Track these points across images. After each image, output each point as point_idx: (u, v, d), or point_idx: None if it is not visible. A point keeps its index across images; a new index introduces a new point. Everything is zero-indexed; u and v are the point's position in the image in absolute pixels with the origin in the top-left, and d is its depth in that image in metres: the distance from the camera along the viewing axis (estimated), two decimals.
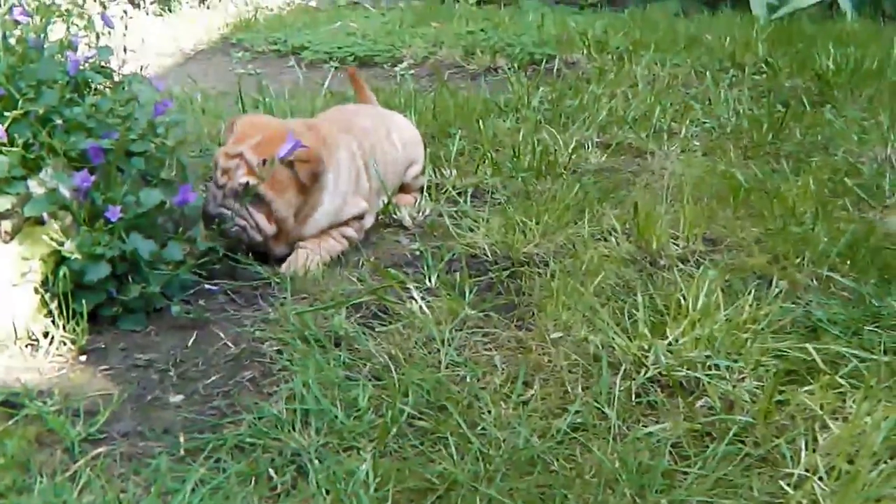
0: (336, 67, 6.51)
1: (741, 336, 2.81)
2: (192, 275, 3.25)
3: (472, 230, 3.66)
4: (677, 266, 3.39)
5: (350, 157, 3.60)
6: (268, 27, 7.62)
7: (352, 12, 8.22)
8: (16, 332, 2.91)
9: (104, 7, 3.77)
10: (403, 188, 3.99)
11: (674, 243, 3.53)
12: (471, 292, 3.18)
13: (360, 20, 7.59)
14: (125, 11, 8.58)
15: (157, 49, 7.27)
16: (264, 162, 3.31)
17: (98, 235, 2.97)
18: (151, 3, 8.70)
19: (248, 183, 3.31)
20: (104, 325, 3.05)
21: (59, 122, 3.10)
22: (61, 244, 2.89)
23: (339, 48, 6.72)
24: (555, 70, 6.01)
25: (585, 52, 6.26)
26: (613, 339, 2.83)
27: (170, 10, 8.42)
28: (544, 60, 6.23)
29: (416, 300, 3.10)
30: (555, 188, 3.99)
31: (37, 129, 3.08)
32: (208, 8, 8.55)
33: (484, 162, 4.26)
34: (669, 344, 2.79)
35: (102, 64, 3.65)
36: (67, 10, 3.84)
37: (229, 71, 6.60)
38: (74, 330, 2.91)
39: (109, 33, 3.75)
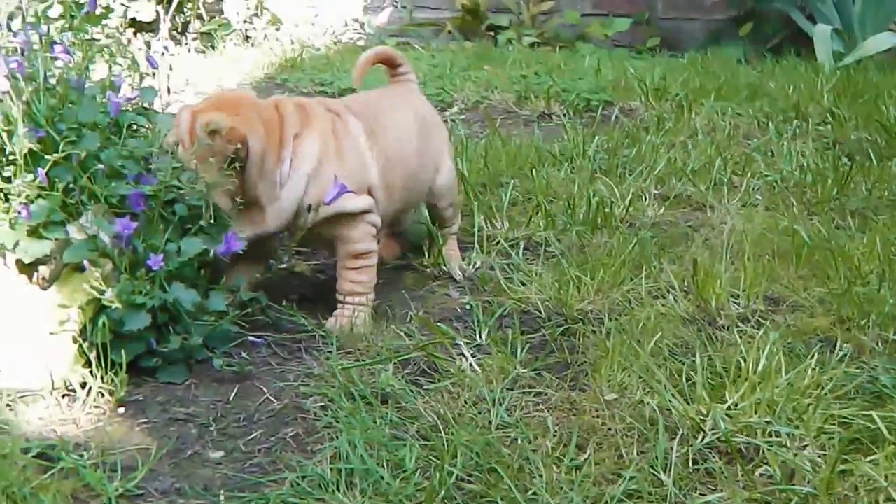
0: None
1: (803, 402, 2.81)
2: (235, 325, 3.29)
3: (524, 284, 3.69)
4: (737, 326, 3.40)
5: (336, 139, 3.45)
6: (314, 67, 7.68)
7: (404, 52, 8.24)
8: (52, 383, 2.97)
9: (148, 47, 3.82)
10: (432, 196, 3.91)
11: (734, 302, 3.54)
12: (522, 350, 3.20)
13: (411, 61, 7.62)
14: (166, 48, 8.68)
15: (200, 88, 7.35)
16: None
17: (139, 284, 3.01)
18: (194, 40, 8.78)
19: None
20: (143, 376, 3.10)
21: (99, 166, 3.15)
22: (101, 293, 2.94)
23: None
24: (612, 117, 6.02)
25: (643, 99, 6.28)
26: (671, 402, 2.84)
27: (213, 48, 8.50)
28: (601, 107, 6.26)
29: (465, 357, 3.12)
30: (610, 242, 4.01)
31: (77, 173, 3.14)
32: (252, 45, 8.62)
33: (537, 213, 4.29)
34: (728, 408, 2.80)
35: (145, 105, 3.71)
36: (109, 50, 3.88)
37: None
38: (113, 381, 2.95)
39: (154, 74, 3.81)
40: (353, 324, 3.39)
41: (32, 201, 3.08)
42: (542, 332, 3.39)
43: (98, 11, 8.56)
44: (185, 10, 8.83)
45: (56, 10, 8.59)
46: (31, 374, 2.95)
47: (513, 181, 4.72)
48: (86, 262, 3.00)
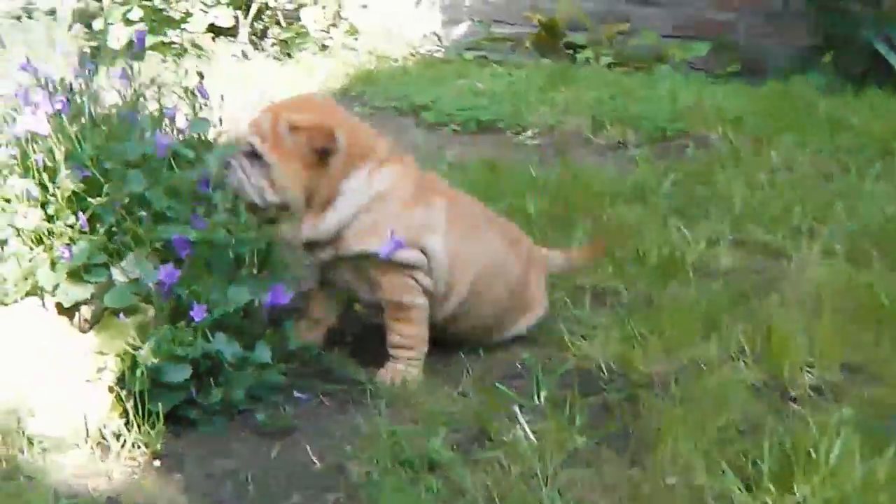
0: (455, 131, 6.33)
1: (879, 500, 2.54)
2: (283, 374, 3.09)
3: (587, 339, 3.44)
4: (810, 397, 3.14)
5: (415, 190, 3.28)
6: (390, 80, 7.46)
7: (479, 69, 8.02)
8: (87, 432, 2.80)
9: (201, 77, 3.61)
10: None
11: (808, 371, 3.27)
12: (581, 415, 2.96)
13: (487, 79, 7.40)
14: (244, 52, 8.53)
15: (272, 99, 7.16)
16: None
17: (180, 335, 2.82)
18: (272, 46, 8.61)
19: (252, 143, 3.14)
20: (182, 426, 2.91)
21: (143, 212, 2.95)
22: (137, 348, 2.74)
23: (462, 110, 6.53)
24: (687, 149, 5.73)
25: (720, 130, 5.97)
26: (733, 490, 2.59)
27: (289, 56, 8.31)
28: (676, 137, 5.98)
29: (520, 424, 2.89)
30: (682, 294, 3.75)
31: (120, 215, 2.94)
32: (329, 55, 8.41)
33: (608, 257, 4.03)
34: (797, 503, 2.54)
35: (199, 136, 3.50)
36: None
37: None
38: (149, 433, 2.77)
39: (205, 104, 3.61)
40: (403, 379, 3.17)
41: (74, 242, 2.88)
42: (603, 395, 3.15)
43: (178, 15, 8.49)
44: (264, 17, 8.65)
45: (137, 13, 8.55)
46: (66, 420, 2.79)
47: (583, 220, 4.46)
48: (121, 315, 2.80)
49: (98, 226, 2.94)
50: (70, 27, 9.02)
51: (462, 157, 5.57)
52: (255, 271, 3.04)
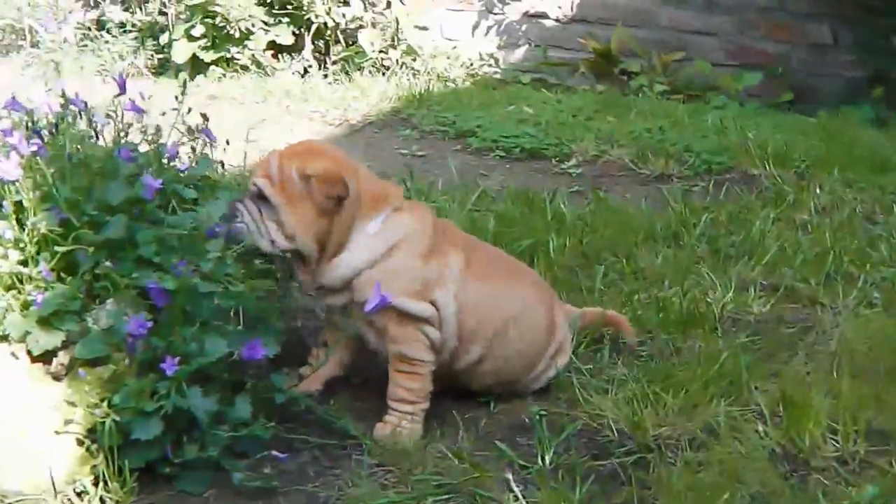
0: (501, 157, 6.06)
1: None
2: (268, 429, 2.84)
3: (600, 393, 3.16)
4: (832, 468, 2.85)
5: (429, 243, 3.06)
6: (440, 103, 7.21)
7: (533, 92, 7.76)
8: (54, 488, 2.58)
9: (206, 119, 3.36)
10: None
11: (832, 439, 2.97)
12: (586, 482, 2.69)
13: (537, 104, 7.12)
14: (306, 69, 8.33)
15: (324, 117, 6.96)
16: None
17: (149, 385, 2.58)
18: (334, 64, 8.40)
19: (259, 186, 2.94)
20: (160, 482, 2.68)
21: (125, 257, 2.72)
22: (102, 400, 2.51)
23: (507, 137, 6.26)
24: (730, 185, 5.40)
25: (764, 166, 5.64)
26: None
27: (347, 75, 8.08)
28: (720, 172, 5.67)
29: (513, 492, 2.63)
30: (704, 347, 3.45)
31: (94, 261, 2.70)
32: (384, 75, 8.19)
33: (630, 303, 3.75)
34: None
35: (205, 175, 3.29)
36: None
37: (395, 150, 6.22)
38: (119, 490, 2.54)
39: (212, 145, 3.38)
40: (399, 435, 2.91)
41: (48, 289, 2.65)
42: (612, 460, 2.88)
43: (238, 34, 8.31)
44: (326, 36, 8.44)
45: (199, 30, 8.38)
46: (34, 476, 2.55)
47: (612, 260, 4.18)
48: (80, 370, 2.57)
49: (74, 268, 2.71)
50: (141, 41, 8.93)
51: (499, 186, 5.29)
52: (239, 324, 2.79)
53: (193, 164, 3.38)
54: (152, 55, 8.72)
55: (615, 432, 3.00)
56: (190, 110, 3.34)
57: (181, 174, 3.23)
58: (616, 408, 3.08)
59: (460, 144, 6.36)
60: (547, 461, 2.83)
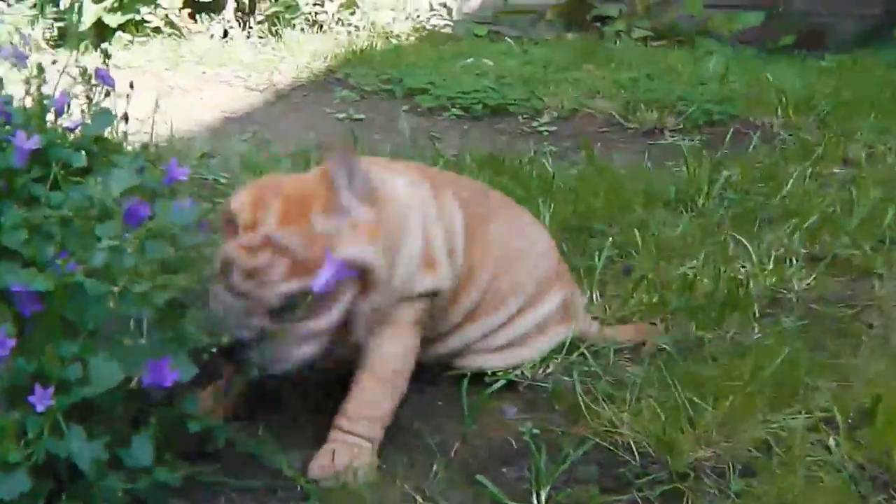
0: (456, 117, 5.46)
1: None
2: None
3: (611, 403, 2.55)
4: None
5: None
6: (383, 61, 6.60)
7: (491, 45, 7.17)
8: None
9: (106, 56, 2.74)
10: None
11: None
12: None
13: (497, 57, 6.53)
14: (226, 31, 7.70)
15: (246, 82, 6.33)
16: None
17: (14, 427, 1.95)
18: (259, 23, 7.78)
19: (294, 293, 2.22)
20: None
21: None
22: None
23: (466, 93, 5.66)
24: (741, 137, 4.82)
25: (781, 114, 5.06)
26: None
27: (276, 35, 7.46)
28: (725, 123, 5.08)
29: None
30: (743, 340, 2.86)
31: None
32: (321, 30, 7.57)
33: (641, 285, 3.14)
34: None
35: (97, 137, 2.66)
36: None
37: (329, 115, 5.59)
38: None
39: (108, 92, 2.76)
40: (350, 473, 2.28)
41: None
42: (634, 493, 2.26)
43: None
44: None
45: None
46: None
47: (610, 230, 3.58)
48: None
49: None
50: (41, 7, 8.33)
51: (460, 150, 4.68)
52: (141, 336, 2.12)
53: (87, 121, 2.75)
54: (52, 24, 8.12)
55: (635, 455, 2.38)
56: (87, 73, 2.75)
57: (70, 133, 2.60)
58: (635, 422, 2.47)
59: (409, 104, 5.76)
60: (543, 498, 2.22)
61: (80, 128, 2.75)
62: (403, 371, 2.46)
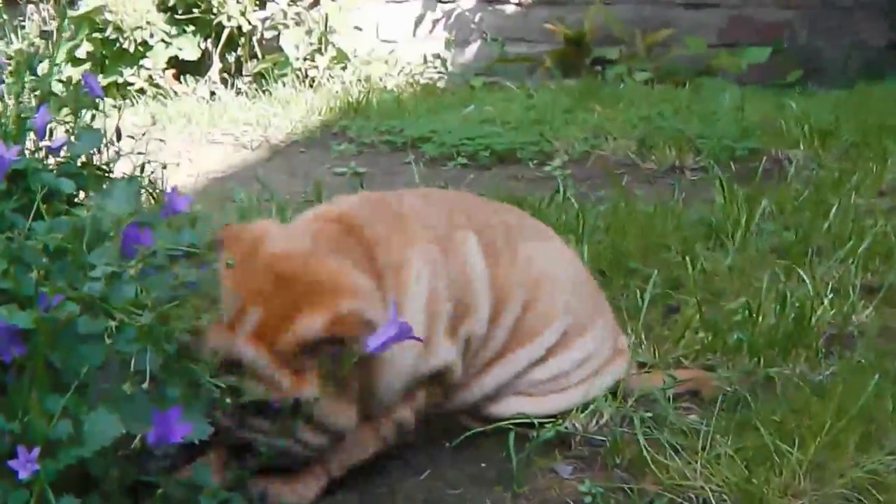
0: (463, 165, 5.20)
1: None
2: None
3: (679, 452, 2.26)
4: None
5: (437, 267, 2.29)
6: (381, 112, 6.34)
7: (489, 93, 6.92)
8: None
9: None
10: None
11: None
12: None
13: (500, 103, 6.28)
14: (212, 92, 7.45)
15: (238, 140, 6.07)
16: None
17: None
18: (248, 83, 7.54)
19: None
20: None
21: None
22: None
23: (471, 139, 5.39)
24: (770, 170, 4.57)
25: (806, 145, 4.81)
26: None
27: (266, 92, 7.21)
28: (749, 159, 4.84)
29: None
30: (814, 377, 2.59)
31: None
32: (312, 85, 7.32)
33: (691, 323, 2.86)
34: None
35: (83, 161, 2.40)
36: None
37: (329, 170, 5.32)
38: None
39: (97, 111, 2.49)
40: None
41: None
42: None
43: (132, 49, 7.44)
44: (238, 47, 7.59)
45: (84, 50, 7.52)
46: None
47: (648, 267, 3.32)
48: None
49: None
50: (18, 74, 8.11)
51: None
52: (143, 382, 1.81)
53: (72, 140, 2.47)
54: (29, 92, 7.89)
55: None
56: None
57: (53, 156, 2.34)
58: (711, 472, 2.18)
59: (412, 155, 5.48)
60: None
61: (64, 148, 2.46)
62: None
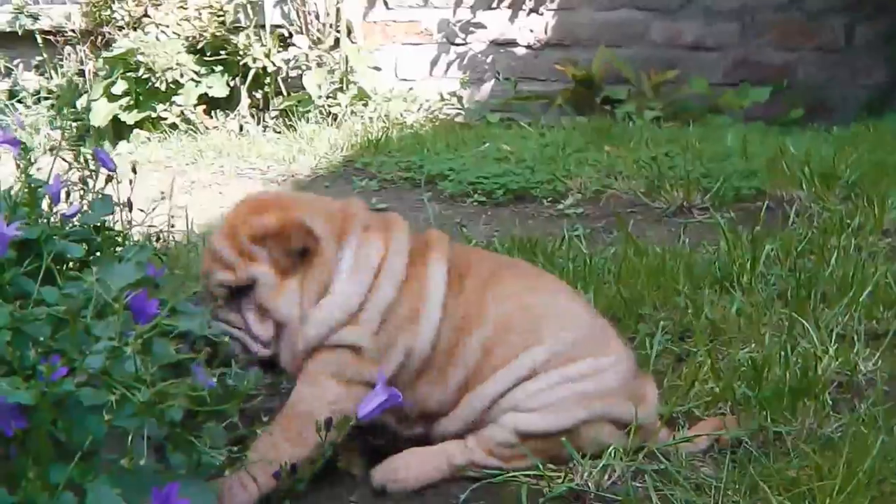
0: (480, 203, 5.13)
1: None
2: None
3: None
4: None
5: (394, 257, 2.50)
6: (401, 149, 6.26)
7: (506, 130, 6.83)
8: None
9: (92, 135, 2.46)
10: None
11: None
12: None
13: (515, 141, 6.19)
14: (241, 126, 7.41)
15: (265, 175, 6.02)
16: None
17: None
18: (274, 118, 7.49)
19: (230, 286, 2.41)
20: None
21: None
22: None
23: (486, 178, 5.33)
24: (773, 212, 4.48)
25: (808, 186, 4.71)
26: None
27: (291, 128, 7.15)
28: (753, 199, 4.75)
29: None
30: (824, 430, 2.50)
31: None
32: (335, 122, 7.25)
33: (700, 373, 2.78)
34: None
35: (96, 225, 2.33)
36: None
37: None
38: None
39: (111, 178, 2.43)
40: None
41: None
42: None
43: (164, 87, 7.42)
44: (265, 85, 7.57)
45: (120, 87, 7.50)
46: None
47: (657, 312, 3.24)
48: None
49: None
50: (59, 109, 8.12)
51: (489, 235, 4.35)
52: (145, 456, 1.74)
53: (85, 209, 2.43)
54: (70, 124, 7.89)
55: None
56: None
57: (68, 223, 2.27)
58: None
59: (430, 191, 5.41)
60: None
61: (78, 215, 2.42)
62: (311, 415, 2.31)
